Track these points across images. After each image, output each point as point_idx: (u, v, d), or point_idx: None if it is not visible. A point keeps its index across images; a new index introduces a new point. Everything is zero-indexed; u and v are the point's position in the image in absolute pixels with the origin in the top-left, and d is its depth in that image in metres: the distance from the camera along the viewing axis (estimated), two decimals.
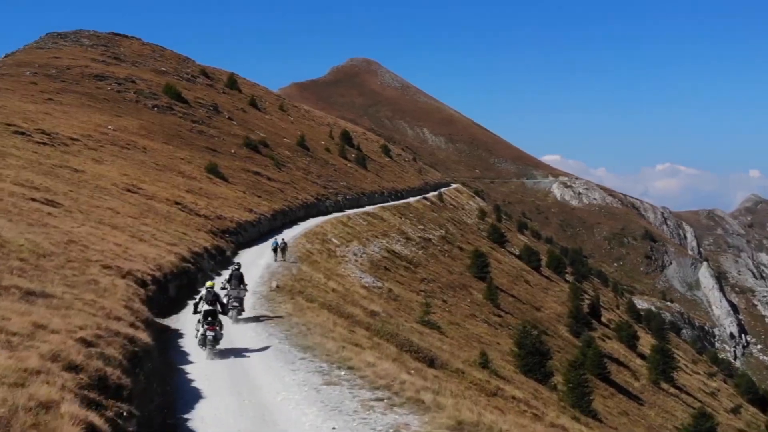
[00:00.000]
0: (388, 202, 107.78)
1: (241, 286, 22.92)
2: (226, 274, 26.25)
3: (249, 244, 49.83)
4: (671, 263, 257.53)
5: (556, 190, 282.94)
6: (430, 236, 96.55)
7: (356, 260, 58.94)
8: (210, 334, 17.46)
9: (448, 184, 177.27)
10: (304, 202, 76.39)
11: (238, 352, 17.98)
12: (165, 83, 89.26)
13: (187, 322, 21.08)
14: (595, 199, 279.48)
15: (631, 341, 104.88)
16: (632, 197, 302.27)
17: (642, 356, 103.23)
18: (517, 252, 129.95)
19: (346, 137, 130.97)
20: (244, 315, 22.98)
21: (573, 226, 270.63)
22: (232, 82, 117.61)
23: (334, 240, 62.12)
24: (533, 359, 46.38)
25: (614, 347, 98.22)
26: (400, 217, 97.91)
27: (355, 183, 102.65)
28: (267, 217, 59.17)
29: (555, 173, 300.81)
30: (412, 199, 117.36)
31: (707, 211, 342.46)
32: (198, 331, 18.14)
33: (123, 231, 28.54)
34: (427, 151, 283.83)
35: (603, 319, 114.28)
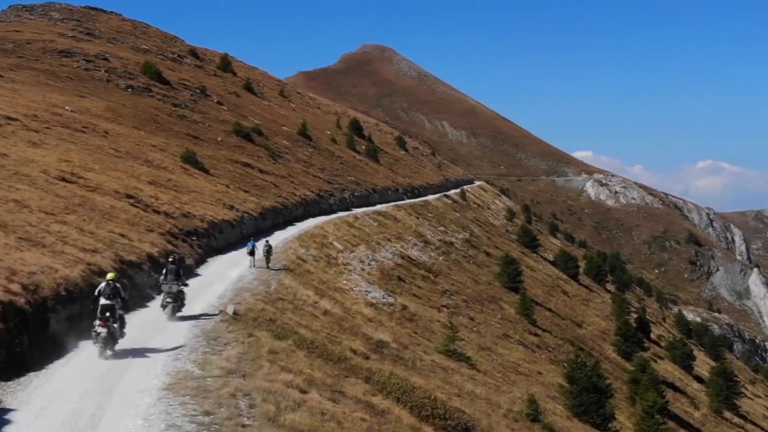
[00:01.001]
0: (403, 199, 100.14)
1: (177, 282, 21.92)
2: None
3: (225, 249, 42.13)
4: (718, 269, 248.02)
5: (590, 189, 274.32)
6: (453, 239, 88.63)
7: (363, 269, 51.10)
8: (102, 330, 16.31)
9: (470, 182, 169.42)
10: (302, 199, 68.69)
11: (140, 353, 16.24)
12: (144, 62, 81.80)
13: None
14: (633, 198, 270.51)
15: (686, 362, 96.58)
16: (674, 197, 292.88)
17: (699, 379, 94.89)
18: (551, 258, 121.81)
19: (356, 127, 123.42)
20: (185, 312, 21.89)
21: (609, 229, 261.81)
22: (226, 64, 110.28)
23: (336, 244, 54.28)
24: (589, 398, 38.29)
25: (668, 369, 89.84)
26: (417, 218, 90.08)
27: (364, 178, 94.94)
28: (253, 215, 51.44)
29: (589, 170, 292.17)
30: (430, 197, 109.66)
31: (755, 212, 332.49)
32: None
33: (10, 231, 20.78)
34: (447, 145, 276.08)
35: (652, 336, 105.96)
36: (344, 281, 42.68)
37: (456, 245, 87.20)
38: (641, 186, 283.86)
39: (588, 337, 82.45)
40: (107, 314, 16.65)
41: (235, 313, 20.92)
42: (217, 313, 21.97)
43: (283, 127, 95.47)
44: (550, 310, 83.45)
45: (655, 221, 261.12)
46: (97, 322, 16.46)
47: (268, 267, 36.87)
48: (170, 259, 22.98)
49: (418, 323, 42.76)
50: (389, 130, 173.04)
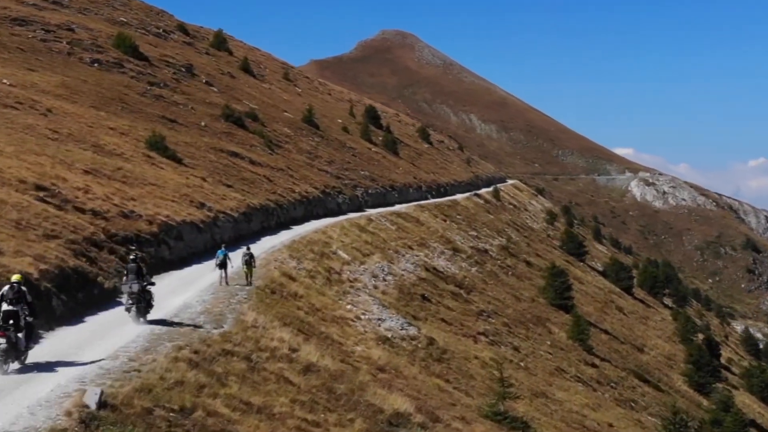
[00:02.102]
0: (426, 198, 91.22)
1: (139, 281, 20.83)
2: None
3: (187, 260, 33.01)
4: None
5: (636, 189, 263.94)
6: (487, 246, 79.27)
7: (376, 286, 41.84)
8: (0, 341, 15.18)
9: (503, 180, 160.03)
10: (303, 197, 59.66)
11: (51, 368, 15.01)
12: (117, 34, 73.04)
13: None
14: (683, 199, 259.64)
15: (765, 392, 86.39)
16: (729, 197, 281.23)
17: None
18: (599, 267, 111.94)
19: (372, 115, 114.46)
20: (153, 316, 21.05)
21: (656, 233, 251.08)
22: (220, 42, 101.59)
23: (341, 253, 45.00)
24: None
25: (745, 402, 79.74)
26: (444, 220, 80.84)
27: (381, 173, 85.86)
28: (232, 216, 42.36)
29: (633, 168, 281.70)
30: (459, 196, 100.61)
31: None
32: None
33: None
34: (475, 141, 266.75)
35: (722, 359, 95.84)
36: (348, 306, 33.36)
37: (491, 253, 77.77)
38: (692, 185, 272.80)
39: (652, 364, 72.72)
40: (10, 322, 15.65)
41: (101, 405, 11.44)
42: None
43: (285, 113, 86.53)
44: (606, 332, 73.84)
45: (708, 225, 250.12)
46: None
47: (249, 282, 28.75)
48: (131, 257, 22.27)
49: (450, 364, 33.38)
50: (410, 121, 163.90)
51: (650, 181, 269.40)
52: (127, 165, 40.58)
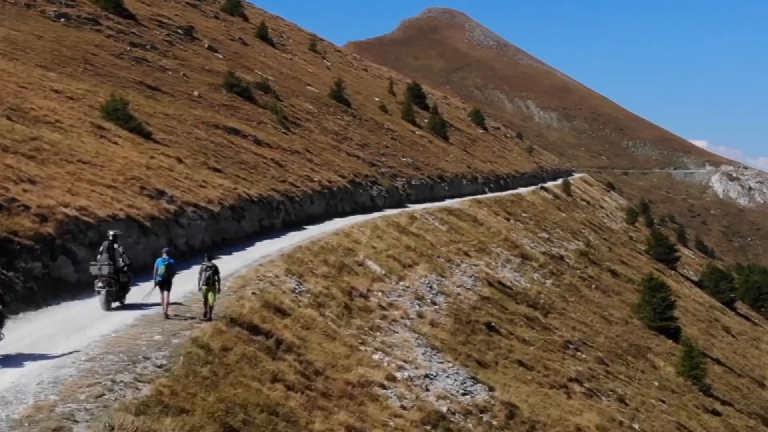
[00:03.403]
0: (484, 192, 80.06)
1: (111, 262, 19.79)
2: None
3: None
4: None
5: (717, 184, 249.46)
6: (562, 252, 67.64)
7: (420, 315, 30.64)
8: None
9: (569, 172, 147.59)
10: (324, 187, 48.76)
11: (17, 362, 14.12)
12: None
13: None
14: None
15: None
16: None
17: None
18: (692, 276, 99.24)
19: (416, 94, 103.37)
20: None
21: (742, 234, 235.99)
22: (233, 5, 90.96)
23: (371, 264, 33.72)
24: None
25: None
26: (508, 219, 69.40)
27: (427, 160, 74.66)
28: (211, 211, 31.21)
29: (714, 161, 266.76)
30: (522, 190, 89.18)
31: None
32: None
33: None
34: (533, 130, 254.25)
35: None
36: (376, 356, 21.99)
37: (568, 260, 66.08)
38: None
39: None
40: None
41: None
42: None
43: (309, 87, 75.60)
44: (717, 361, 61.58)
45: None
46: None
47: (207, 314, 19.15)
48: (109, 234, 20.76)
49: None
50: (461, 104, 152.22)
51: (734, 175, 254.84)
52: (52, 135, 29.64)
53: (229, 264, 26.83)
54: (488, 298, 42.36)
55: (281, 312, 21.06)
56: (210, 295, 19.23)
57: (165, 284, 19.38)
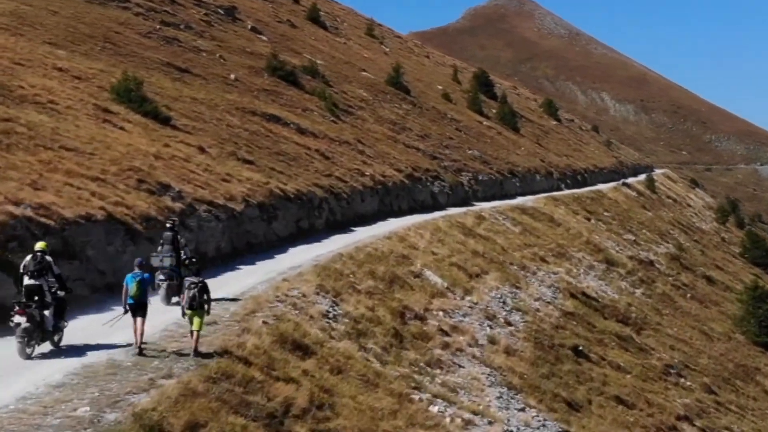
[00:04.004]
0: (560, 189, 74.03)
1: (173, 254, 19.55)
2: None
3: (87, 303, 16.91)
4: None
5: None
6: (651, 256, 61.43)
7: (492, 341, 25.21)
8: (20, 320, 14.55)
9: (650, 168, 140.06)
10: (378, 183, 43.97)
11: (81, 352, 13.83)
12: None
13: None
14: None
15: None
16: None
17: None
18: None
19: (484, 82, 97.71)
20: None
21: None
22: None
23: (430, 275, 28.30)
24: None
25: None
26: (588, 218, 63.40)
27: (496, 153, 69.05)
28: (232, 210, 26.16)
29: None
30: (602, 187, 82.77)
31: None
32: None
33: None
34: (608, 124, 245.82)
35: None
36: (436, 407, 16.57)
37: (659, 266, 59.82)
38: None
39: None
40: (34, 298, 14.92)
41: None
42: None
43: (363, 73, 70.52)
44: None
45: None
46: (15, 309, 14.78)
47: (195, 350, 14.67)
48: (168, 225, 20.31)
49: None
50: (531, 95, 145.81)
51: None
52: (34, 117, 24.84)
53: (245, 278, 21.78)
54: (572, 313, 36.73)
55: (302, 349, 15.81)
56: (195, 320, 14.29)
57: (138, 308, 14.64)
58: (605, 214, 68.25)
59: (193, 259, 19.36)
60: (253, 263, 24.79)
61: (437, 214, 45.10)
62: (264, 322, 16.31)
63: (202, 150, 31.76)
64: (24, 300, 14.99)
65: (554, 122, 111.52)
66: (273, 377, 13.51)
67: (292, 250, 27.61)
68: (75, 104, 29.46)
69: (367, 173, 43.60)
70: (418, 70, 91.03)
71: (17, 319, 14.66)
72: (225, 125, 38.42)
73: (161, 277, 19.27)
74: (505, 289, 33.47)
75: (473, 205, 53.57)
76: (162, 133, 31.58)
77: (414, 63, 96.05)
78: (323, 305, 19.70)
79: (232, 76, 48.78)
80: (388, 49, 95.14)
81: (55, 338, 15.36)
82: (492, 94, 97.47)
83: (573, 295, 40.02)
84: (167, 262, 19.37)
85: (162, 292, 19.23)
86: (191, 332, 14.48)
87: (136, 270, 14.83)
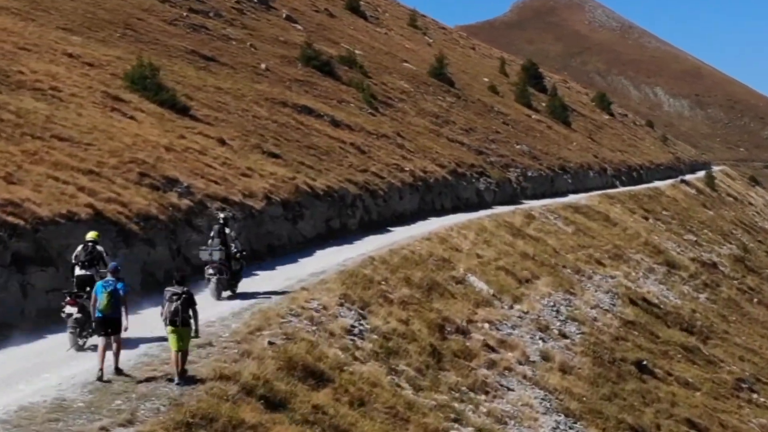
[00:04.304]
0: (614, 186, 70.90)
1: (222, 247, 19.27)
2: None
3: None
4: None
5: None
6: (714, 257, 57.96)
7: (545, 357, 22.41)
8: (71, 311, 14.35)
9: (708, 165, 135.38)
10: (419, 179, 41.37)
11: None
12: None
13: None
14: None
15: None
16: None
17: None
18: None
19: (533, 74, 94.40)
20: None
21: None
22: None
23: (474, 280, 25.75)
24: None
25: None
26: (646, 217, 60.19)
27: (546, 148, 66.08)
28: (251, 208, 23.74)
29: None
30: (659, 184, 79.15)
31: None
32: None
33: None
34: (662, 119, 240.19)
35: None
36: None
37: (722, 268, 56.39)
38: None
39: None
40: (86, 289, 14.53)
41: None
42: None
43: (405, 64, 67.84)
44: None
45: None
46: (66, 299, 14.63)
47: (180, 373, 12.28)
48: (219, 216, 20.47)
49: None
50: (582, 89, 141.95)
51: None
52: (28, 104, 22.54)
53: (260, 285, 19.24)
54: (633, 322, 33.80)
55: (316, 377, 13.13)
56: (176, 340, 11.83)
57: (106, 325, 12.41)
58: (664, 212, 64.87)
59: (244, 252, 20.07)
60: (272, 268, 22.29)
61: (483, 212, 42.31)
62: (270, 343, 13.68)
63: (222, 142, 29.34)
64: (75, 290, 14.82)
65: (607, 116, 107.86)
66: (272, 419, 10.86)
67: (319, 253, 25.02)
68: (81, 92, 27.21)
69: (407, 168, 40.92)
70: (463, 62, 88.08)
71: (68, 309, 14.48)
72: (251, 116, 36.01)
73: (210, 271, 18.98)
74: (559, 296, 30.62)
75: (522, 203, 50.66)
76: (178, 124, 29.22)
77: (459, 55, 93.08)
78: (347, 319, 17.07)
79: (263, 66, 46.39)
80: (431, 41, 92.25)
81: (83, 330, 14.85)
82: (541, 86, 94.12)
83: (633, 302, 37.04)
84: (216, 256, 19.10)
85: (212, 287, 18.95)
86: (175, 358, 11.97)
87: (109, 277, 12.39)
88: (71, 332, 14.38)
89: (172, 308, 12.15)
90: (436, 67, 68.12)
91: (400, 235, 30.94)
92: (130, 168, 20.76)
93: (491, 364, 19.25)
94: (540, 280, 31.35)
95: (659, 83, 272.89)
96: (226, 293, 19.16)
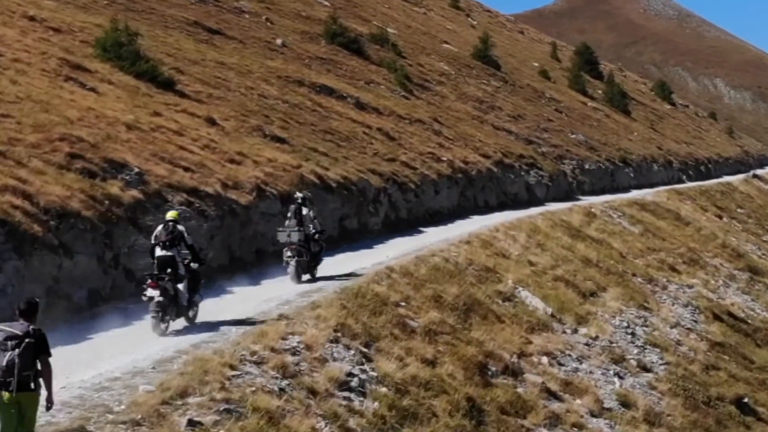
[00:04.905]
0: (681, 180, 65.32)
1: (300, 227, 18.79)
2: None
3: None
4: None
5: None
6: None
7: (624, 400, 16.79)
8: (153, 293, 13.99)
9: None
10: (458, 170, 36.37)
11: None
12: None
13: None
14: None
15: None
16: None
17: None
18: None
19: (588, 59, 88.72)
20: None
21: None
22: None
23: (527, 296, 20.37)
24: None
25: None
26: (719, 216, 54.34)
27: (605, 138, 60.65)
28: (230, 206, 18.60)
29: None
30: (731, 179, 72.96)
31: None
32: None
33: None
34: (723, 113, 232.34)
35: None
36: None
37: None
38: None
39: None
40: (167, 270, 14.45)
41: None
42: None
43: (445, 45, 62.68)
44: None
45: None
46: (148, 282, 14.32)
47: None
48: (296, 195, 19.97)
49: None
50: (639, 78, 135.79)
51: None
52: None
53: (224, 309, 14.22)
54: (721, 344, 28.14)
55: None
56: (9, 419, 7.08)
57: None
58: (739, 210, 58.92)
59: (323, 233, 19.83)
60: (256, 282, 17.22)
61: (534, 210, 36.96)
62: (191, 425, 8.53)
63: (211, 122, 24.35)
64: (156, 272, 14.38)
65: (669, 106, 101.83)
66: None
67: (325, 262, 19.81)
68: (30, 57, 22.36)
69: (444, 158, 35.69)
70: (511, 46, 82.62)
71: (150, 292, 14.12)
72: (256, 95, 31.07)
73: (289, 254, 18.50)
74: (632, 313, 25.21)
75: (578, 199, 45.28)
76: (157, 100, 24.28)
77: (505, 39, 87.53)
78: (342, 363, 11.86)
79: (279, 41, 41.47)
80: (475, 23, 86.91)
81: (190, 314, 14.91)
82: (597, 73, 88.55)
83: (717, 317, 31.43)
84: (295, 237, 18.58)
85: (291, 270, 18.45)
86: None
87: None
88: (153, 317, 13.87)
89: (6, 362, 7.23)
90: (480, 48, 62.86)
91: (433, 237, 25.74)
92: (58, 147, 15.74)
93: (553, 422, 13.97)
94: (607, 293, 25.99)
95: (719, 74, 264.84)
96: (305, 276, 18.59)
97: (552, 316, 20.14)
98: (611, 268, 29.98)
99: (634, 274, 31.09)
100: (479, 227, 28.61)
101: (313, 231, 19.29)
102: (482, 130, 45.00)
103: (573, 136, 55.55)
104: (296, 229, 18.67)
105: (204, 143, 21.55)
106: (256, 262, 19.04)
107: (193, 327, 13.91)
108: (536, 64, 76.44)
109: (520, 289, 20.65)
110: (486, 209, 36.01)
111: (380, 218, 27.20)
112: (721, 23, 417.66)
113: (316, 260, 19.25)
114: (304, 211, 19.27)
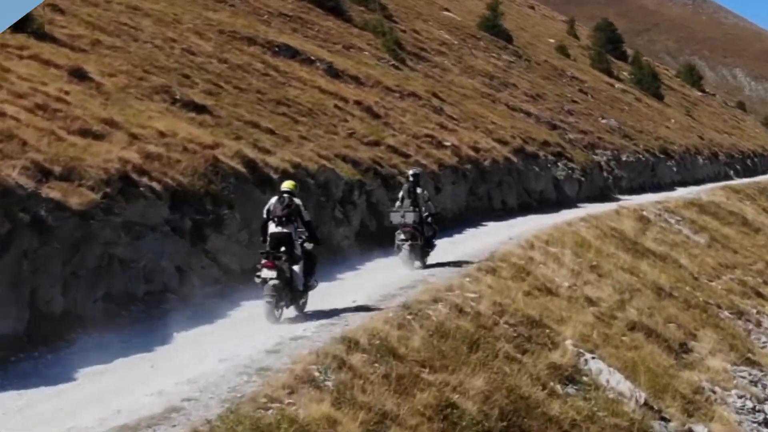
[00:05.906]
0: (728, 176, 58.95)
1: (415, 208, 17.90)
2: None
3: None
4: None
5: None
6: None
7: None
8: (269, 275, 12.90)
9: None
10: (467, 159, 28.27)
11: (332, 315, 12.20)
12: None
13: None
14: None
15: None
16: None
17: None
18: None
19: (612, 38, 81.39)
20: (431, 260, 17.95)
21: None
22: None
23: (597, 369, 11.81)
24: None
25: None
26: None
27: (640, 125, 53.34)
28: (41, 201, 9.95)
29: None
30: None
31: None
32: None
33: None
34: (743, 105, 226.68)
35: None
36: None
37: None
38: None
39: None
40: (282, 249, 13.43)
41: None
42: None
43: (446, 12, 54.83)
44: None
45: None
46: (262, 261, 13.30)
47: None
48: (409, 173, 19.35)
49: None
50: (659, 64, 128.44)
51: None
52: None
53: None
54: None
55: None
56: None
57: None
58: None
59: (437, 214, 18.94)
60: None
61: (568, 213, 28.78)
62: None
63: (78, 76, 16.09)
64: (271, 250, 13.26)
65: (699, 93, 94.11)
66: None
67: (231, 317, 11.54)
68: None
69: (447, 143, 27.41)
70: (522, 20, 74.90)
71: (265, 273, 12.90)
72: (179, 49, 22.72)
73: (402, 236, 17.50)
74: (743, 375, 17.04)
75: (617, 198, 37.23)
76: None
77: (515, 12, 79.89)
78: None
79: None
80: None
81: (301, 302, 13.66)
82: (621, 52, 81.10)
83: None
84: (410, 218, 17.50)
85: (404, 255, 17.40)
86: None
87: None
88: (268, 302, 12.65)
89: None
90: (489, 17, 55.20)
91: (432, 257, 17.62)
92: None
93: None
94: (700, 342, 17.80)
95: (738, 64, 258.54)
96: (417, 263, 17.36)
97: (647, 406, 11.79)
98: (689, 298, 21.76)
99: (718, 306, 22.88)
100: (497, 240, 20.35)
101: (426, 213, 18.10)
102: (495, 111, 37.00)
103: (604, 121, 47.56)
104: (411, 209, 17.72)
105: (39, 102, 13.21)
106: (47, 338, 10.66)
107: None
108: (552, 41, 68.69)
109: (588, 356, 12.30)
110: (504, 213, 27.85)
111: (353, 228, 18.95)
112: (738, 10, 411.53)
113: (429, 245, 18.08)
114: (419, 190, 18.16)
